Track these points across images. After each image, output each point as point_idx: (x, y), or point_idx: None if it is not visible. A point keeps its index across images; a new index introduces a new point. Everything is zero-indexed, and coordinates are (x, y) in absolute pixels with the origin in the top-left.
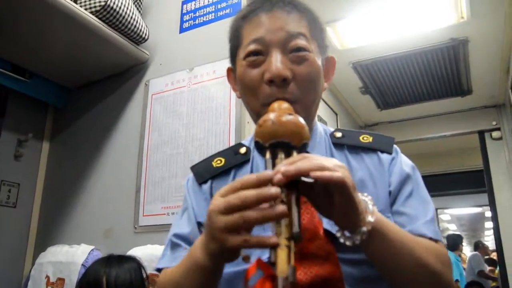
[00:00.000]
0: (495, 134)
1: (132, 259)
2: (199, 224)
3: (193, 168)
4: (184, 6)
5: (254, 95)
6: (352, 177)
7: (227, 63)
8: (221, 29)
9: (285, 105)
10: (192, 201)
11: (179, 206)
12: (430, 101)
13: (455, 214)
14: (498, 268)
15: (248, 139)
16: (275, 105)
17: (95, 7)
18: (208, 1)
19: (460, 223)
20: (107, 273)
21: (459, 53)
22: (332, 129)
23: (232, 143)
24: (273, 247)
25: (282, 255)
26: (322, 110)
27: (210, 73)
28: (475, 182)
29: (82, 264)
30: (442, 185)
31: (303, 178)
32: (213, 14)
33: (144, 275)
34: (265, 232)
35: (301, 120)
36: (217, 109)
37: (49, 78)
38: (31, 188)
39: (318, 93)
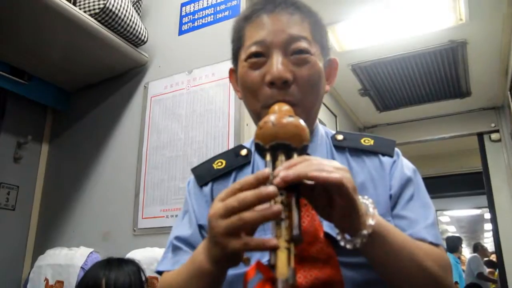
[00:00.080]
0: (494, 136)
1: (131, 262)
2: (200, 227)
3: (194, 170)
4: (183, 8)
5: (255, 96)
6: (353, 180)
7: (226, 66)
8: (220, 32)
9: (285, 107)
10: (193, 203)
11: (178, 208)
12: (429, 103)
13: (454, 216)
14: (498, 270)
15: (249, 141)
16: (276, 107)
17: (94, 9)
18: (207, 4)
19: (459, 225)
20: (106, 276)
21: (457, 55)
22: (333, 132)
23: (231, 145)
24: (273, 250)
25: (282, 258)
26: (321, 112)
27: (209, 76)
28: (474, 184)
29: (81, 267)
30: (441, 187)
31: (304, 180)
32: (212, 16)
33: (143, 278)
34: (267, 236)
35: (302, 122)
36: (216, 111)
37: (48, 81)
38: (30, 190)
39: (319, 96)
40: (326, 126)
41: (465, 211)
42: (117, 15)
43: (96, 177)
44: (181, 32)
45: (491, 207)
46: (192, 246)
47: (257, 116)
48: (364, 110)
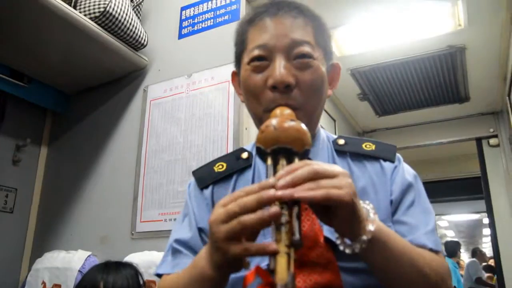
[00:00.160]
0: (493, 141)
1: (129, 265)
2: (200, 230)
3: (194, 173)
4: (183, 12)
5: (257, 100)
6: (354, 185)
7: (225, 70)
8: (220, 36)
9: (287, 111)
10: (193, 206)
11: (176, 212)
12: (428, 108)
13: (453, 220)
14: (496, 275)
15: (250, 144)
16: (277, 111)
17: (94, 13)
18: (207, 8)
19: (458, 230)
20: (104, 279)
21: (456, 60)
22: (335, 136)
23: (230, 149)
24: (273, 254)
25: (281, 262)
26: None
27: (208, 80)
28: (473, 188)
29: (79, 270)
30: (440, 191)
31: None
32: (211, 20)
33: (141, 282)
34: (268, 241)
35: (303, 126)
36: (215, 115)
37: (48, 84)
38: (29, 193)
39: (322, 100)
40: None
41: (464, 215)
42: (117, 18)
43: (95, 180)
44: (181, 36)
45: (490, 212)
46: (192, 249)
47: (259, 120)
48: (363, 114)
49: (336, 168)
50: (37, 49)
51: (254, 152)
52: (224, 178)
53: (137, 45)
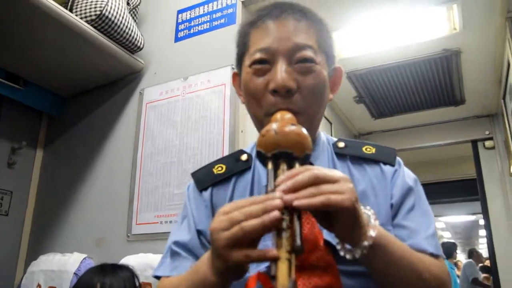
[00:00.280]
0: (488, 143)
1: (125, 267)
2: (199, 232)
3: (193, 174)
4: (180, 15)
5: (258, 103)
6: (355, 188)
7: (222, 73)
8: (216, 39)
9: (288, 115)
10: (192, 208)
11: (172, 215)
12: (424, 111)
13: (449, 222)
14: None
15: (249, 146)
16: (278, 115)
17: (90, 16)
18: (204, 11)
19: (454, 231)
20: (101, 282)
21: (452, 64)
22: (335, 139)
23: (226, 152)
24: (274, 260)
25: (282, 268)
26: None
27: (204, 83)
28: (469, 190)
29: (74, 273)
30: (436, 193)
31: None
32: (208, 23)
33: (137, 284)
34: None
35: (304, 130)
36: (211, 118)
37: (43, 86)
38: (24, 196)
39: (323, 105)
40: None
41: (460, 217)
42: (113, 21)
43: (91, 183)
44: (177, 39)
45: (485, 213)
46: (190, 251)
47: (259, 123)
48: (359, 117)
49: (337, 173)
50: (33, 52)
51: (253, 154)
52: (223, 180)
53: (133, 48)
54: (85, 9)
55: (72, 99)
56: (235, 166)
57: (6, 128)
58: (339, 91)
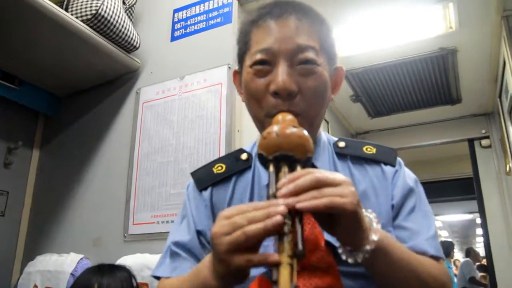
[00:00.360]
0: (484, 142)
1: (123, 268)
2: (199, 233)
3: (193, 174)
4: (176, 14)
5: (258, 104)
6: (356, 188)
7: (218, 72)
8: (212, 38)
9: (289, 117)
10: (192, 208)
11: (169, 215)
12: (420, 110)
13: (446, 221)
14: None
15: (250, 145)
16: (279, 117)
17: (86, 15)
18: (200, 10)
19: (451, 230)
20: (99, 282)
21: (448, 62)
22: (335, 139)
23: (222, 151)
24: (275, 265)
25: (284, 273)
26: None
27: (201, 82)
28: (466, 189)
29: (71, 273)
30: (433, 192)
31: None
32: (204, 23)
33: (135, 284)
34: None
35: (305, 133)
36: (208, 117)
37: (39, 86)
38: (20, 196)
39: (324, 106)
40: None
41: (457, 216)
42: (109, 21)
43: (87, 183)
44: (173, 38)
45: (482, 212)
46: (190, 252)
47: (260, 123)
48: (356, 116)
49: (339, 176)
50: (28, 52)
51: (253, 153)
52: (223, 179)
53: (129, 47)
54: (81, 9)
55: (68, 98)
56: (235, 165)
57: (2, 128)
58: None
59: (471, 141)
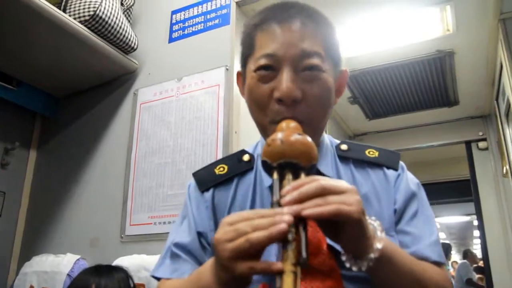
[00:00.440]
0: (482, 144)
1: (120, 269)
2: (199, 234)
3: (195, 174)
4: (174, 16)
5: (262, 110)
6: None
7: (216, 73)
8: (210, 40)
9: (293, 124)
10: (192, 208)
11: (166, 216)
12: (418, 112)
13: (444, 222)
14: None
15: (252, 146)
16: (283, 124)
17: (84, 16)
18: (198, 12)
19: (449, 232)
20: (96, 283)
21: (445, 65)
22: (338, 141)
23: (220, 153)
24: (279, 273)
25: (287, 282)
26: None
27: (198, 83)
28: (463, 191)
29: (68, 274)
30: (430, 194)
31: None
32: (202, 24)
33: (132, 285)
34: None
35: (310, 140)
36: (205, 119)
37: (37, 87)
38: (17, 197)
39: (328, 112)
40: None
41: (455, 218)
42: (107, 22)
43: (84, 183)
44: (171, 40)
45: (479, 214)
46: (191, 253)
47: (263, 129)
48: (354, 118)
49: (344, 184)
50: (26, 52)
51: (255, 154)
52: (225, 181)
53: (127, 48)
54: (79, 9)
55: (65, 99)
56: (237, 166)
57: None
58: None
59: (468, 143)
